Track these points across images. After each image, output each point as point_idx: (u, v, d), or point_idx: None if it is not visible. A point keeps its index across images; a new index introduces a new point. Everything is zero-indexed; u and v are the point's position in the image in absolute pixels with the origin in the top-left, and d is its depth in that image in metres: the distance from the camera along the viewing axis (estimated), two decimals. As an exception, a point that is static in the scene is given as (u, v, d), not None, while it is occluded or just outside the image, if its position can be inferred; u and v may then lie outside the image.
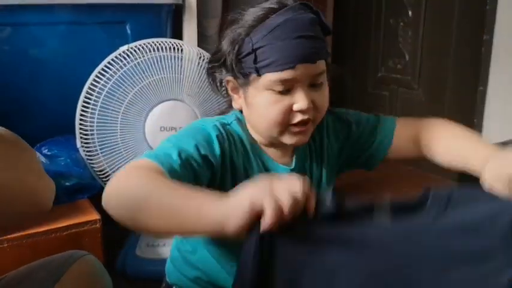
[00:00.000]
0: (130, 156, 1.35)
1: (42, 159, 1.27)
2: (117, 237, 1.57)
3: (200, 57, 1.41)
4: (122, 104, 1.32)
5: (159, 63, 1.35)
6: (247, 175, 0.86)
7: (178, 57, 1.38)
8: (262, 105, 0.81)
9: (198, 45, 1.59)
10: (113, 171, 1.35)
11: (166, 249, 1.52)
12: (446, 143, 0.90)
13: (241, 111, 0.89)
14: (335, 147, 0.96)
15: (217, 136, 0.82)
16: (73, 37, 1.60)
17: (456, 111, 2.31)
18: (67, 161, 1.29)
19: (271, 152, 0.90)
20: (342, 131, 0.96)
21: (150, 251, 1.54)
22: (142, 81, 1.32)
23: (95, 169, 1.34)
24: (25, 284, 0.85)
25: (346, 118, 0.97)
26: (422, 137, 0.94)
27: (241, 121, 0.89)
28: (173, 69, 1.36)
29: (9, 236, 1.15)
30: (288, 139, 0.83)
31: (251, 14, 0.81)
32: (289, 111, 0.80)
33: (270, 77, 0.78)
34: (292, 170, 0.91)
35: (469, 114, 2.22)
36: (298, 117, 0.80)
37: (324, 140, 0.95)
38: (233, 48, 0.80)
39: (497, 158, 0.75)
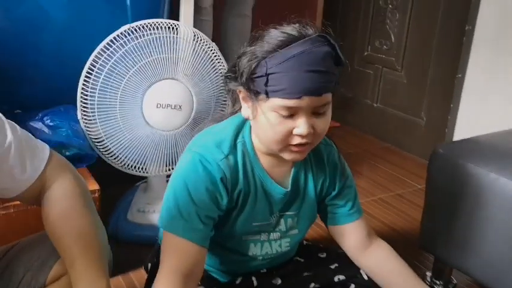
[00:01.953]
0: (127, 129, 1.44)
1: (45, 129, 1.35)
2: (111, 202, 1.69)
3: (196, 39, 1.48)
4: (122, 81, 1.39)
5: (158, 43, 1.42)
6: (246, 198, 0.99)
7: (175, 38, 1.45)
8: (267, 124, 0.89)
9: (194, 16, 1.63)
10: (111, 143, 1.44)
11: (156, 215, 1.62)
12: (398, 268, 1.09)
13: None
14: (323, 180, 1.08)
15: (221, 179, 0.94)
16: (75, 6, 1.62)
17: (435, 95, 2.43)
18: (68, 132, 1.38)
19: (271, 168, 1.00)
20: (333, 173, 1.09)
21: (140, 217, 1.64)
22: (142, 60, 1.40)
23: (94, 140, 1.43)
24: (38, 248, 0.96)
25: (343, 174, 1.10)
26: (365, 258, 1.11)
27: (244, 133, 0.99)
28: (170, 50, 1.43)
29: (15, 203, 1.24)
30: (286, 155, 0.93)
31: (272, 37, 0.87)
32: (290, 134, 0.88)
33: (277, 102, 0.86)
34: (287, 192, 1.03)
35: (447, 99, 2.35)
36: (297, 140, 0.89)
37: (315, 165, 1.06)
38: (250, 67, 0.87)
39: None
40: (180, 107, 1.46)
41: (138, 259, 1.42)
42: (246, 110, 0.95)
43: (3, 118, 0.86)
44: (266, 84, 0.86)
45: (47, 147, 0.92)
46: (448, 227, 1.31)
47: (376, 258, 1.11)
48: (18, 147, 0.86)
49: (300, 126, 0.87)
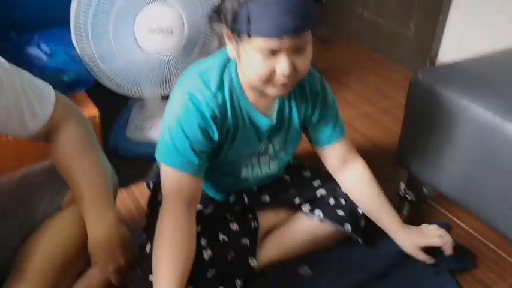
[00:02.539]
0: (121, 54, 1.48)
1: (42, 56, 1.39)
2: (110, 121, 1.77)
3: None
4: (113, 6, 1.41)
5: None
6: (236, 132, 1.07)
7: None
8: (250, 63, 0.95)
9: None
10: (106, 68, 1.49)
11: (153, 132, 1.72)
12: (371, 197, 1.26)
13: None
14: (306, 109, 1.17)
15: (212, 117, 1.01)
16: None
17: (424, 6, 2.43)
18: (65, 58, 1.42)
19: (257, 101, 1.08)
20: (314, 101, 1.17)
21: (138, 133, 1.74)
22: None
23: (90, 65, 1.48)
24: (52, 177, 1.06)
25: (325, 100, 1.18)
26: (343, 170, 1.26)
27: (229, 69, 1.05)
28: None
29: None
30: (270, 91, 1.00)
31: None
32: (273, 72, 0.95)
33: (259, 42, 0.91)
34: (273, 123, 1.11)
35: (436, 11, 2.36)
36: (279, 79, 0.96)
37: (299, 96, 1.14)
38: (233, 8, 0.91)
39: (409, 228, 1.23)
40: (171, 30, 1.49)
41: (139, 173, 1.54)
42: (230, 49, 1.01)
43: (7, 65, 0.91)
44: (248, 26, 0.90)
45: (52, 90, 0.99)
46: (423, 146, 1.43)
47: (350, 178, 1.25)
48: (26, 96, 0.92)
49: (282, 65, 0.93)
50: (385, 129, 2.00)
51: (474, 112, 1.25)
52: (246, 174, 1.19)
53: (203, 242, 1.11)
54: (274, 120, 1.12)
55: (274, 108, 1.12)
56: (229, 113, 1.05)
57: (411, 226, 1.27)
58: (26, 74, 0.95)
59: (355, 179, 1.26)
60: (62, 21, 1.48)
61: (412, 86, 1.42)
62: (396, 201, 1.59)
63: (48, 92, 0.98)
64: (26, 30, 1.51)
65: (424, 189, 1.61)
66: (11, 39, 1.49)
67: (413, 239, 1.23)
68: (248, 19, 0.89)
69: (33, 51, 1.42)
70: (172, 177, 1.04)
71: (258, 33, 0.90)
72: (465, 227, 1.48)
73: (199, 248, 1.08)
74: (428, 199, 1.60)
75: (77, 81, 1.48)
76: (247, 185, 1.24)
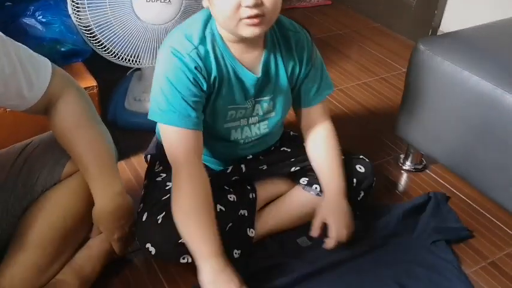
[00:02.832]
0: (119, 24, 1.46)
1: (39, 26, 1.37)
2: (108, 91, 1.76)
3: None
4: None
5: None
6: (221, 84, 1.07)
7: None
8: (218, 2, 0.97)
9: None
10: (103, 37, 1.48)
11: (152, 104, 1.71)
12: (322, 158, 1.24)
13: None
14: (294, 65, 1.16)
15: (196, 68, 1.02)
16: None
17: (420, 5, 2.39)
18: (61, 27, 1.40)
19: (241, 56, 1.08)
20: (300, 58, 1.16)
21: (137, 105, 1.73)
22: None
23: (87, 35, 1.46)
24: (51, 148, 1.07)
25: (311, 57, 1.17)
26: (313, 131, 1.25)
27: (211, 25, 1.06)
28: None
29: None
30: (243, 31, 0.99)
31: None
32: (239, 6, 0.95)
33: None
34: (258, 78, 1.11)
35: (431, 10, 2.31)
36: (246, 12, 0.95)
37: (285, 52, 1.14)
38: None
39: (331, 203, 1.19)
40: (169, 0, 1.47)
41: (138, 145, 1.55)
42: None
43: (4, 37, 0.91)
44: None
45: (49, 62, 0.98)
46: (422, 116, 1.43)
47: (313, 137, 1.26)
48: (23, 66, 0.91)
49: None
50: (385, 100, 1.99)
51: (474, 83, 1.25)
52: (236, 136, 1.19)
53: None
54: (260, 74, 1.11)
55: (260, 63, 1.11)
56: (213, 65, 1.05)
57: (339, 202, 1.20)
58: (22, 46, 0.94)
59: (318, 140, 1.25)
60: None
61: (412, 55, 1.41)
62: (395, 170, 1.60)
63: (44, 63, 0.97)
64: (22, 0, 1.49)
65: (424, 160, 1.62)
66: (6, 9, 1.46)
67: (321, 209, 1.20)
68: None
69: (29, 21, 1.40)
70: (175, 135, 1.05)
71: None
72: (462, 196, 1.49)
73: None
74: (427, 169, 1.61)
75: (74, 52, 1.46)
76: (242, 150, 1.24)
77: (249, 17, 0.96)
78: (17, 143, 1.11)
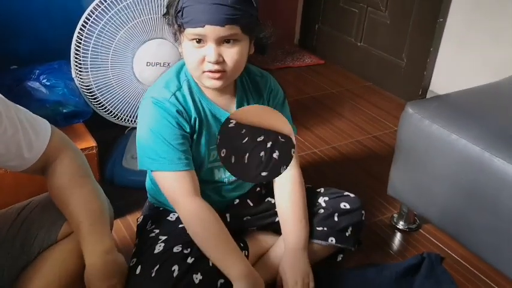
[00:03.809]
0: (119, 86, 1.52)
1: (43, 89, 1.42)
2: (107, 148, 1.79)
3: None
4: (113, 40, 1.46)
5: (147, 3, 1.46)
6: (201, 125, 1.14)
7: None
8: (185, 53, 1.06)
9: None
10: (105, 100, 1.53)
11: (149, 162, 1.74)
12: (284, 207, 1.25)
13: None
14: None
15: (177, 112, 1.08)
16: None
17: (416, 37, 2.50)
18: (64, 90, 1.45)
19: (216, 98, 1.15)
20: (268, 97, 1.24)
21: (134, 163, 1.75)
22: (132, 21, 1.45)
23: (89, 97, 1.51)
24: (49, 209, 1.08)
25: (280, 96, 1.26)
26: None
27: (185, 71, 1.13)
28: (159, 10, 1.48)
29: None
30: (205, 82, 1.08)
31: None
32: (203, 61, 1.04)
33: (188, 31, 1.02)
34: None
35: (427, 42, 2.42)
36: (208, 66, 1.04)
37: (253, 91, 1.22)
38: (172, 5, 1.03)
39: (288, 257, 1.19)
40: (168, 64, 1.53)
41: (134, 203, 1.57)
42: (179, 45, 1.10)
43: (7, 101, 0.95)
44: (182, 17, 1.02)
45: (48, 124, 1.02)
46: (414, 177, 1.46)
47: (281, 180, 1.27)
48: (24, 128, 0.95)
49: (208, 52, 1.03)
50: (378, 158, 2.03)
51: (462, 146, 1.29)
52: (219, 176, 1.23)
53: (194, 265, 1.11)
54: None
55: (234, 104, 1.18)
56: (191, 108, 1.12)
57: (296, 257, 1.21)
58: (22, 109, 0.98)
59: (283, 187, 1.26)
60: (62, 54, 1.52)
61: (402, 118, 1.46)
62: (388, 229, 1.61)
63: (44, 125, 1.01)
64: (27, 63, 1.55)
65: (417, 219, 1.64)
66: (11, 72, 1.52)
67: (280, 264, 1.22)
68: (182, 11, 1.01)
69: (34, 84, 1.45)
70: (168, 179, 1.10)
71: (187, 24, 1.01)
72: (457, 257, 1.50)
73: (190, 272, 1.09)
74: (421, 228, 1.62)
75: (76, 113, 1.51)
76: (228, 193, 1.26)
77: (211, 71, 1.05)
78: (16, 203, 1.12)
